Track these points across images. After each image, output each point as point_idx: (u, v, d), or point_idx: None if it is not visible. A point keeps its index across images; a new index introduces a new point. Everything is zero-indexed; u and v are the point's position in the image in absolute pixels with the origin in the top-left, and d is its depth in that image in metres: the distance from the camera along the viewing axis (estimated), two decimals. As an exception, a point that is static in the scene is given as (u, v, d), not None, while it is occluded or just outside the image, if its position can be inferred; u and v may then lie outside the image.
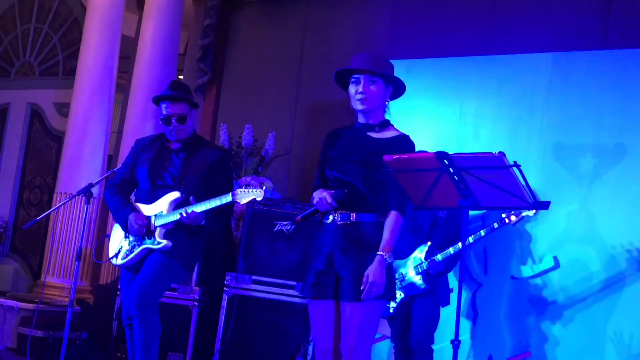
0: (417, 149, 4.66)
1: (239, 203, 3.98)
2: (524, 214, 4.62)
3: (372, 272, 3.24)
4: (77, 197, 5.43)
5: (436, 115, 5.67)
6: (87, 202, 4.62)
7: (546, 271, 5.06)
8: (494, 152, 2.79)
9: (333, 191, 3.31)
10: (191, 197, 4.14)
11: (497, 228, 4.67)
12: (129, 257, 4.27)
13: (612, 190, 4.96)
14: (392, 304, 4.77)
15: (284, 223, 5.60)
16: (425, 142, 5.42)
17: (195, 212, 4.08)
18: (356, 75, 3.43)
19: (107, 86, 7.32)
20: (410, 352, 4.75)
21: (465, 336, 5.25)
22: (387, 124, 3.48)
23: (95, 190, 7.07)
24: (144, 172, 4.30)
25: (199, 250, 4.43)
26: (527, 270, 5.12)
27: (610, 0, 5.69)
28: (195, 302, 5.71)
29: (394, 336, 4.86)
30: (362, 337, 3.22)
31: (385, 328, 5.00)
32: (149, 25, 7.36)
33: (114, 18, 7.36)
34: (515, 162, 2.79)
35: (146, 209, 4.28)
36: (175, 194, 4.22)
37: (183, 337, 5.68)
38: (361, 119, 3.50)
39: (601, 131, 5.06)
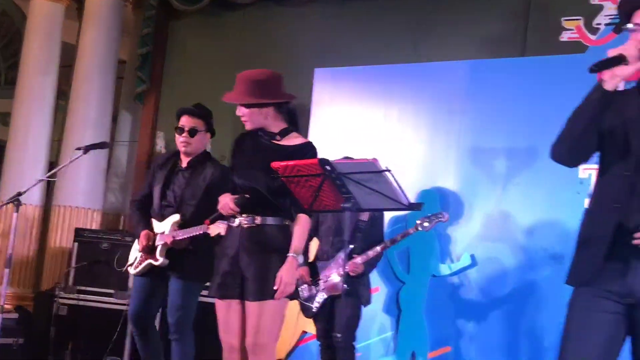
0: (343, 154, 4.91)
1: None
2: (438, 220, 4.87)
3: (284, 272, 3.45)
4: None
5: (361, 120, 5.88)
6: (16, 210, 4.77)
7: (464, 269, 5.30)
8: (368, 158, 3.00)
9: (236, 196, 3.52)
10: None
11: (412, 234, 4.92)
12: (139, 269, 4.56)
13: (524, 191, 5.21)
14: (316, 304, 4.97)
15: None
16: (350, 146, 5.63)
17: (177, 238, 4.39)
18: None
19: (48, 94, 7.43)
20: (334, 350, 4.96)
21: (389, 333, 5.47)
22: (288, 131, 3.67)
23: (36, 197, 7.20)
24: (156, 192, 4.58)
25: (211, 259, 4.47)
26: (445, 269, 5.35)
27: (527, 8, 5.94)
28: (131, 306, 5.84)
29: (319, 335, 5.05)
30: (266, 334, 3.42)
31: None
32: (88, 33, 7.46)
33: (54, 26, 7.48)
34: (387, 167, 2.99)
35: (157, 226, 4.55)
36: (175, 217, 4.48)
37: (120, 341, 5.81)
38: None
39: (514, 135, 5.30)
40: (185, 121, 4.57)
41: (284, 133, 3.64)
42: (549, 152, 2.68)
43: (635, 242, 2.47)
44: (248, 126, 3.62)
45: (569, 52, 5.27)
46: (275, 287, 3.42)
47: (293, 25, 6.74)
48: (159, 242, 4.47)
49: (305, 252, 4.97)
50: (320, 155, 3.44)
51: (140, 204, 4.66)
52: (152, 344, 4.57)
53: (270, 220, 3.51)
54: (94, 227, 7.00)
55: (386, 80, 5.85)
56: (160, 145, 6.72)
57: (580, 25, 5.37)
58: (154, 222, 4.57)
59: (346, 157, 4.70)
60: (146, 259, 4.51)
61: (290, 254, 3.48)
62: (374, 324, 5.49)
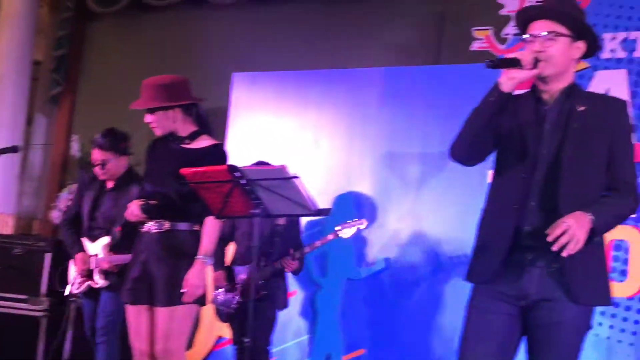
0: (259, 158, 4.94)
1: None
2: (358, 227, 4.96)
3: (192, 275, 3.47)
4: None
5: (279, 125, 5.92)
6: None
7: (378, 272, 5.40)
8: (277, 165, 3.05)
9: (142, 202, 3.52)
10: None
11: (331, 240, 4.99)
12: (80, 290, 4.71)
13: (437, 194, 5.34)
14: (231, 309, 4.98)
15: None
16: (268, 151, 5.67)
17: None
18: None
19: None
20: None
21: (305, 337, 5.52)
22: (198, 134, 3.67)
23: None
24: (85, 213, 4.66)
25: None
26: (360, 272, 5.44)
27: (441, 18, 6.08)
28: (44, 313, 5.75)
29: (235, 339, 5.06)
30: (175, 340, 3.44)
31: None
32: (2, 33, 7.23)
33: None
34: (295, 174, 3.05)
35: (89, 247, 4.65)
36: (106, 239, 4.59)
37: (32, 348, 5.71)
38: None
39: (427, 141, 5.43)
40: (96, 155, 4.65)
41: (193, 136, 3.65)
42: (448, 151, 2.77)
43: (554, 247, 2.47)
44: (157, 132, 3.63)
45: (478, 61, 5.41)
46: (182, 290, 3.44)
47: (212, 29, 6.74)
48: (95, 267, 4.59)
49: (222, 256, 4.98)
50: (237, 159, 3.47)
51: (71, 224, 4.76)
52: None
53: (179, 226, 3.53)
54: (6, 232, 6.83)
55: (304, 86, 5.92)
56: (75, 149, 6.62)
57: (489, 34, 5.54)
58: (86, 242, 4.67)
59: (260, 162, 4.76)
60: (85, 281, 4.66)
61: (198, 257, 3.50)
62: (290, 328, 5.53)
